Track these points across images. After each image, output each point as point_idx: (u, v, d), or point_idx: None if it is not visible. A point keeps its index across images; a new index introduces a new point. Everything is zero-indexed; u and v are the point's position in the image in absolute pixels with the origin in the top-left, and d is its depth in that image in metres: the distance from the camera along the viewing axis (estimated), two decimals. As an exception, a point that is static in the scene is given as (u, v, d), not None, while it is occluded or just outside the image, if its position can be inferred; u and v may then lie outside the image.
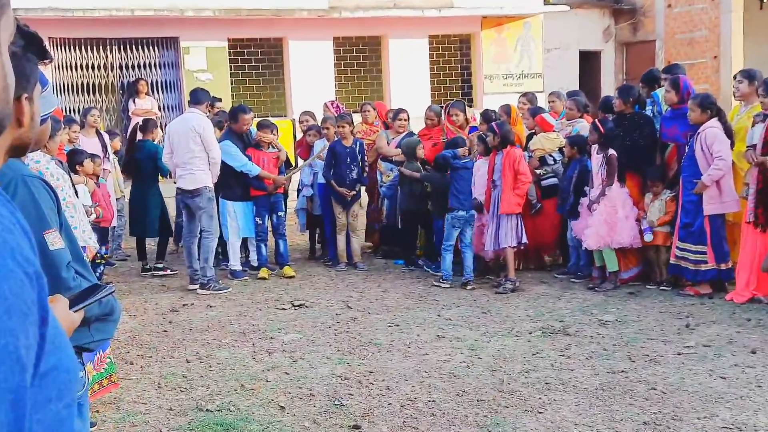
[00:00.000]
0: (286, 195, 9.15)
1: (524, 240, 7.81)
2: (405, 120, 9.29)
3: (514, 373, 5.24)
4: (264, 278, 8.45)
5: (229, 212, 8.65)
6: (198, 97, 8.14)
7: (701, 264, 7.08)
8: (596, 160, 7.51)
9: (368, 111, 9.98)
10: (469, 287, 7.76)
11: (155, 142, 9.06)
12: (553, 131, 8.41)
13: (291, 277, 8.51)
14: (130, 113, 12.85)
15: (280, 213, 8.80)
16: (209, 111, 10.43)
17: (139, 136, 9.01)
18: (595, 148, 7.60)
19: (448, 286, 7.90)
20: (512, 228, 7.71)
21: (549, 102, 9.63)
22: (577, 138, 8.01)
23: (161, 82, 13.99)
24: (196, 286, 8.00)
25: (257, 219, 8.70)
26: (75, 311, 1.63)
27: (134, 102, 12.87)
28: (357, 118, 9.89)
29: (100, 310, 2.33)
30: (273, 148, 8.74)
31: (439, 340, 6.05)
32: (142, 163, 8.82)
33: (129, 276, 8.92)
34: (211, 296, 7.75)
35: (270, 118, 10.21)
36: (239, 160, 8.47)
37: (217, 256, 9.24)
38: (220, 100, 11.17)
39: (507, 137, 7.74)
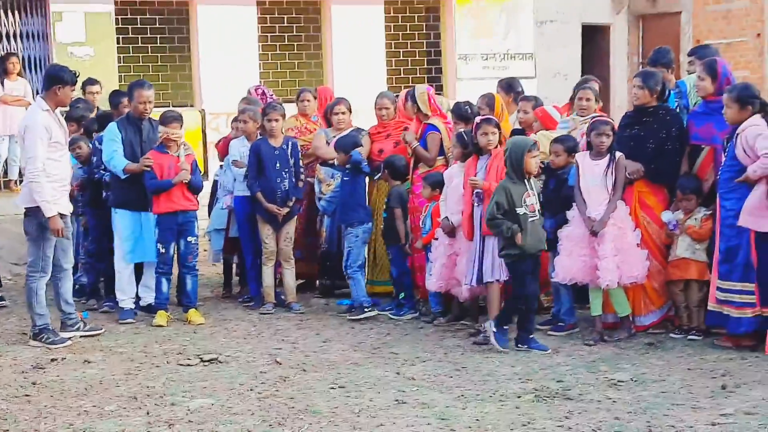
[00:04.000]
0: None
1: None
2: (342, 113, 9.37)
3: (499, 450, 5.27)
4: (161, 325, 8.40)
5: (115, 225, 8.66)
6: (47, 79, 7.98)
7: (746, 308, 7.19)
8: (594, 170, 7.64)
9: (307, 101, 9.98)
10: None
11: None
12: (557, 129, 8.52)
13: (200, 324, 8.48)
14: None
15: (190, 238, 8.76)
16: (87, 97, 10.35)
17: None
18: (583, 155, 7.75)
19: (373, 313, 8.57)
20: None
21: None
22: (568, 138, 8.13)
23: (24, 59, 13.84)
24: (71, 333, 7.94)
25: (159, 246, 8.66)
26: None
27: (2, 85, 12.83)
28: (290, 108, 9.88)
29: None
30: (183, 150, 8.71)
31: (398, 407, 6.06)
32: None
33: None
34: (90, 349, 7.69)
35: (173, 109, 10.16)
36: (107, 151, 8.57)
37: (96, 292, 9.26)
38: (95, 82, 11.10)
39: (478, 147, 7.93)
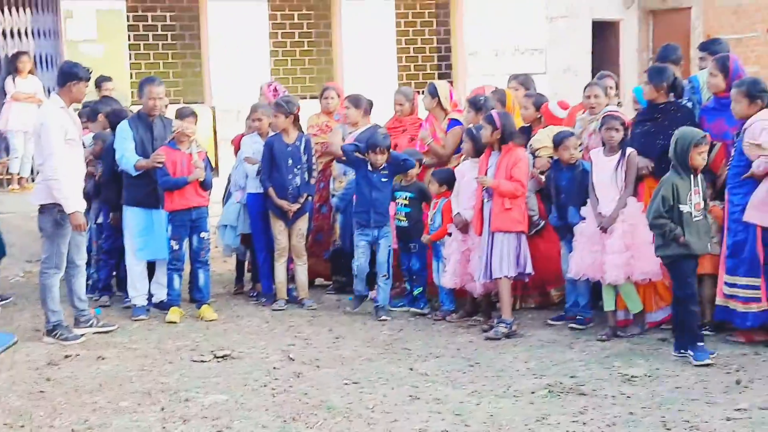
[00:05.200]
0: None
1: (528, 269, 7.90)
2: (347, 108, 9.40)
3: (513, 445, 5.28)
4: (174, 322, 8.42)
5: (126, 222, 8.68)
6: (61, 76, 7.98)
7: (752, 303, 7.20)
8: (607, 165, 7.64)
9: (331, 98, 9.94)
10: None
11: None
12: (562, 125, 8.53)
13: (212, 320, 8.50)
14: (8, 97, 12.88)
15: (203, 234, 8.79)
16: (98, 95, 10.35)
17: None
18: (597, 151, 7.76)
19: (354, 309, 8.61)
20: (510, 252, 7.79)
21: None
22: (569, 133, 8.11)
23: (36, 57, 13.87)
24: (84, 330, 7.97)
25: (172, 242, 8.69)
26: None
27: (14, 82, 12.88)
28: (310, 106, 9.80)
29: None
30: (195, 146, 8.72)
31: (412, 402, 6.07)
32: None
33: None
34: (103, 345, 7.72)
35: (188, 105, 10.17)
36: (119, 149, 8.60)
37: (109, 289, 9.29)
38: (109, 79, 11.16)
39: (510, 132, 7.90)
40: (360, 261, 8.71)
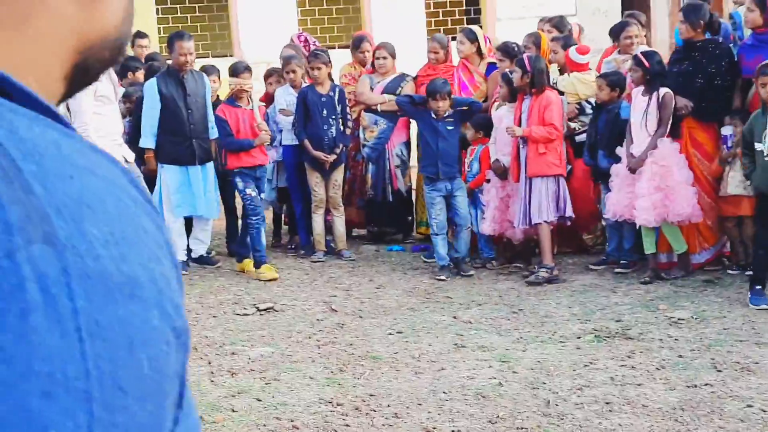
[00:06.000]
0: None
1: (569, 212, 7.87)
2: (384, 58, 9.27)
3: (563, 390, 5.28)
4: (274, 279, 8.23)
5: (162, 181, 8.67)
6: None
7: None
8: (640, 105, 7.55)
9: (367, 51, 9.75)
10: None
11: None
12: (588, 71, 8.47)
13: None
14: None
15: (262, 195, 8.75)
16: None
17: None
18: (638, 90, 7.66)
19: (446, 277, 7.99)
20: (549, 196, 7.75)
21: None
22: (612, 74, 8.04)
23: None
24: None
25: (248, 191, 8.49)
26: None
27: None
28: (339, 56, 9.75)
29: None
30: (256, 103, 8.67)
31: (458, 351, 6.08)
32: None
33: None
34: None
35: (212, 60, 10.13)
36: (144, 118, 8.51)
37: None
38: (145, 35, 11.11)
39: (540, 76, 7.77)
40: (439, 218, 8.14)
